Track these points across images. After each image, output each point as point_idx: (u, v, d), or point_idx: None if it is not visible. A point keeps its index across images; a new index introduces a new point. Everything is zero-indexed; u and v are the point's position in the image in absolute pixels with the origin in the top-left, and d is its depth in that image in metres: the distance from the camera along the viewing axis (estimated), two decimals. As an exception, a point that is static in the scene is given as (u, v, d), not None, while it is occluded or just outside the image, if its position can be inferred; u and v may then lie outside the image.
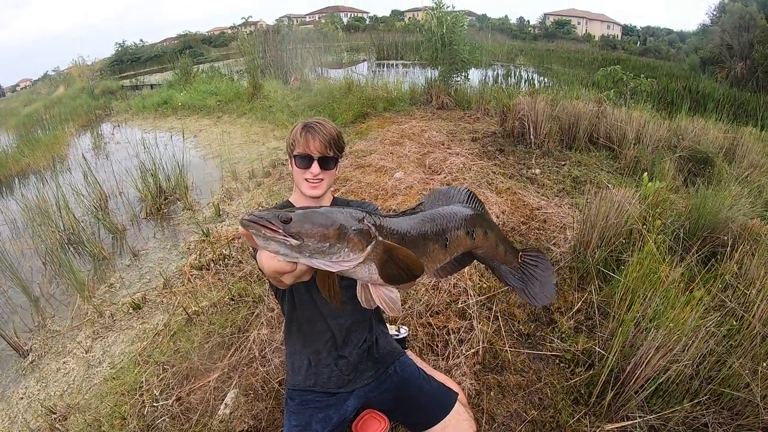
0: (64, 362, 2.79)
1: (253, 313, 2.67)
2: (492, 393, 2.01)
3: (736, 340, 1.97)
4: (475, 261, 1.28)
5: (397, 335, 1.99)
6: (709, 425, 1.81)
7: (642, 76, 7.95)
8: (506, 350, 2.19)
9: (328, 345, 1.56)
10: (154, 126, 9.02)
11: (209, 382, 2.22)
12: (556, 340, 2.27)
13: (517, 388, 2.02)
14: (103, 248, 4.08)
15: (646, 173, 3.37)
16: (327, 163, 1.48)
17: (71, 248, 4.21)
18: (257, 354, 2.33)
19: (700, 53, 18.83)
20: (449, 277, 2.57)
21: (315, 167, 1.46)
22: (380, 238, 1.03)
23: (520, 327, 2.39)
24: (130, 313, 3.11)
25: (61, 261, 3.77)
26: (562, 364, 2.16)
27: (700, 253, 2.72)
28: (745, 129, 6.13)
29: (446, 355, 2.21)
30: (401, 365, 1.65)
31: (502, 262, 1.32)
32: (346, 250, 0.99)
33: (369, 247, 1.01)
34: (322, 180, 1.49)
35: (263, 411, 2.02)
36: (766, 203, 3.65)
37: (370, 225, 1.02)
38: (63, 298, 3.52)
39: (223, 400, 2.10)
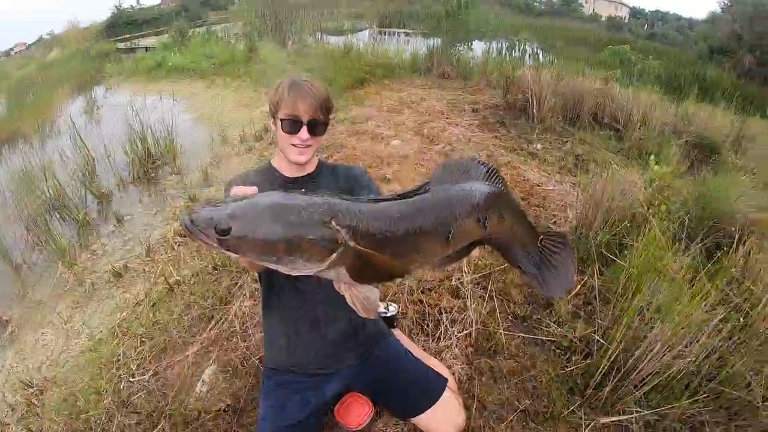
0: (42, 333, 2.70)
1: (236, 283, 2.54)
2: (484, 378, 1.91)
3: (740, 338, 1.88)
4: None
5: (385, 313, 1.86)
6: (707, 424, 1.73)
7: (650, 57, 7.76)
8: (500, 333, 2.08)
9: (306, 322, 1.43)
10: (145, 89, 8.68)
11: (187, 356, 2.11)
12: (552, 324, 2.15)
13: (510, 374, 1.92)
14: (87, 214, 3.92)
15: (652, 156, 3.23)
16: (316, 127, 1.33)
17: (56, 214, 4.04)
18: (238, 328, 2.21)
19: (709, 42, 18.48)
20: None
21: (304, 132, 1.31)
22: (351, 243, 0.81)
23: (516, 309, 2.27)
24: (111, 281, 2.99)
25: (43, 227, 3.63)
26: (558, 351, 2.05)
27: (704, 242, 2.61)
28: (753, 120, 6.01)
29: (437, 335, 2.10)
30: (386, 345, 1.53)
31: (519, 246, 1.16)
32: (301, 261, 0.81)
33: (334, 256, 0.81)
34: (310, 146, 1.35)
35: (242, 389, 1.91)
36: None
37: (338, 228, 0.80)
38: (45, 266, 3.39)
39: (200, 376, 2.00)
